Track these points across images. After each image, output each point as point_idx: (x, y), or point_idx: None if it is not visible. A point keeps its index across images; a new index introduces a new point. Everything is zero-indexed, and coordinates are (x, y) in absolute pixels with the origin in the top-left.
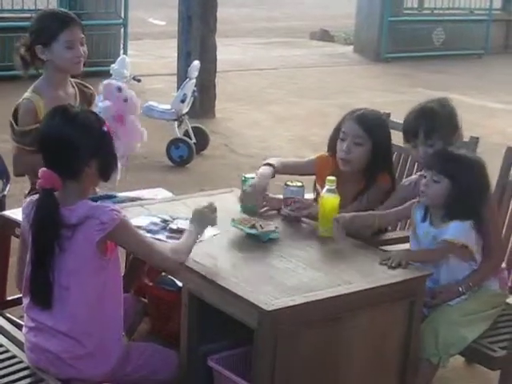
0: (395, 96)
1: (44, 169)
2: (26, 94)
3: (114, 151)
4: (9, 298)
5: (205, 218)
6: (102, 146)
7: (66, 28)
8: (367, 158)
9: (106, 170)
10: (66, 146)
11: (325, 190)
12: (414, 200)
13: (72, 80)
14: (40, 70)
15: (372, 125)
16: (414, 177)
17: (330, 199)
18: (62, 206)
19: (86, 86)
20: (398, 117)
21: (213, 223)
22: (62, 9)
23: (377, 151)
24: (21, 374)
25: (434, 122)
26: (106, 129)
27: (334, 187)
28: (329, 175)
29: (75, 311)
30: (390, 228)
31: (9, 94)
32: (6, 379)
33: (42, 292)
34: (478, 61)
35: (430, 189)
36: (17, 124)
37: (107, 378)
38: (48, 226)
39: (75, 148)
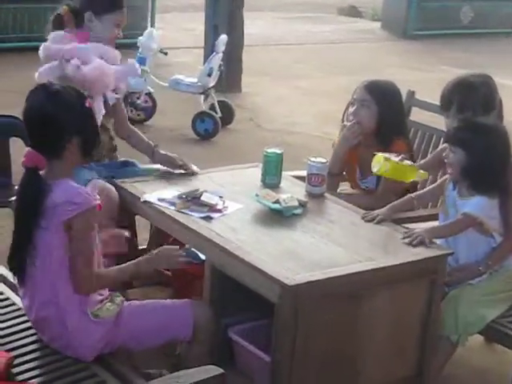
0: (421, 73)
1: (28, 148)
2: None
3: (96, 127)
4: None
5: (166, 259)
6: (83, 122)
7: (122, 8)
8: (376, 120)
9: (88, 146)
10: (48, 124)
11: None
12: (446, 176)
13: None
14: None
15: (378, 90)
16: None
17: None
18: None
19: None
20: (423, 94)
21: (171, 266)
22: None
23: (385, 115)
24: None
25: (468, 97)
26: (87, 104)
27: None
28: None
29: (40, 289)
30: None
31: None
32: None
33: (18, 269)
34: (506, 40)
35: (450, 160)
36: None
37: (96, 350)
38: (31, 205)
39: (57, 126)
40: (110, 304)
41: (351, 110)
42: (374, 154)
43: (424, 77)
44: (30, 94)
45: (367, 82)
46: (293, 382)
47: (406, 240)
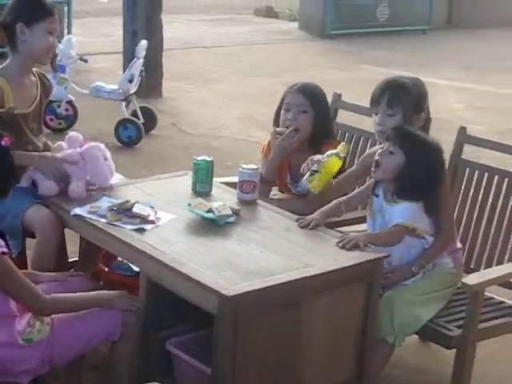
0: (341, 73)
1: None
2: None
3: (9, 167)
4: None
5: (121, 301)
6: None
7: (53, 15)
8: (311, 125)
9: (2, 185)
10: None
11: (334, 151)
12: (373, 179)
13: (33, 69)
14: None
15: (313, 94)
16: (377, 147)
17: (337, 163)
18: None
19: (46, 77)
20: (346, 94)
21: (121, 307)
22: None
23: (319, 119)
24: None
25: (399, 93)
26: (3, 143)
27: (343, 155)
28: None
29: None
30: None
31: None
32: None
33: None
34: (423, 36)
35: (384, 159)
36: None
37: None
38: None
39: None
40: (39, 324)
41: (287, 115)
42: (307, 158)
43: (345, 76)
44: None
45: (299, 86)
46: None
47: (340, 244)
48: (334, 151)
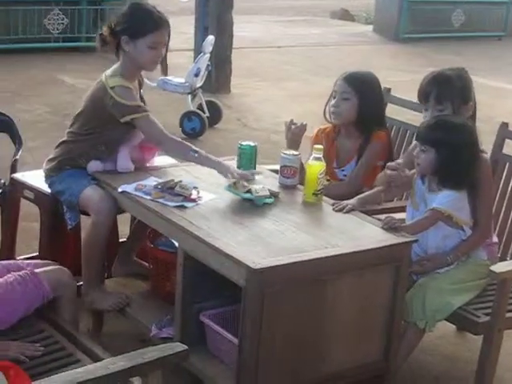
0: (409, 75)
1: None
2: (116, 80)
3: None
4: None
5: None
6: None
7: (156, 30)
8: (356, 111)
9: None
10: None
11: (312, 157)
12: (413, 171)
13: None
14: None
15: (358, 81)
16: None
17: (315, 166)
18: None
19: (140, 74)
20: (408, 95)
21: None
22: (157, 8)
23: (365, 105)
24: None
25: (446, 87)
26: None
27: (320, 155)
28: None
29: None
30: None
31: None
32: None
33: None
34: (497, 43)
35: (420, 158)
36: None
37: None
38: None
39: None
40: None
41: (332, 101)
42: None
43: (411, 78)
44: None
45: (347, 74)
46: (259, 364)
47: (385, 226)
48: (310, 160)
